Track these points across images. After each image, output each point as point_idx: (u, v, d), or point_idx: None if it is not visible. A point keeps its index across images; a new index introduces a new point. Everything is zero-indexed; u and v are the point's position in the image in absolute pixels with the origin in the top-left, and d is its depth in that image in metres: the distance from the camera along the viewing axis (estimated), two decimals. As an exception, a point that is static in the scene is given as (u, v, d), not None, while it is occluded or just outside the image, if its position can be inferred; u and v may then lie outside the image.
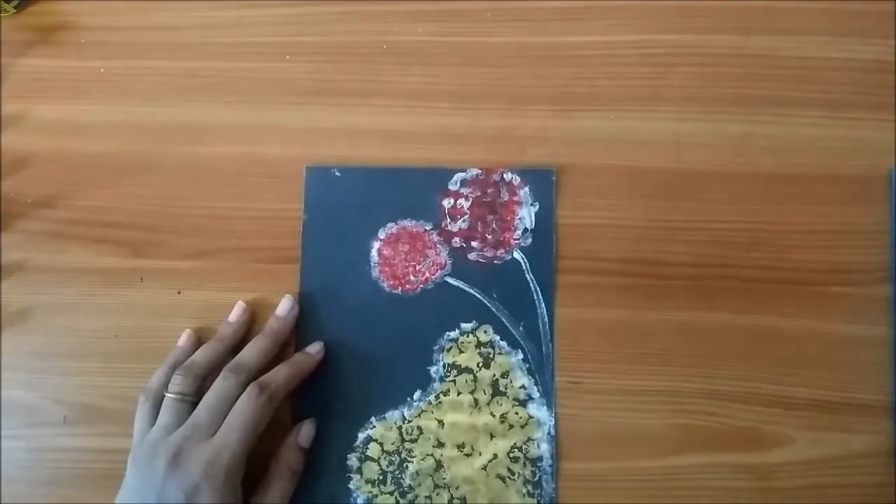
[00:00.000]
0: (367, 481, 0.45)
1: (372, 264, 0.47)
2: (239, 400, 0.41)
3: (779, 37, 0.49)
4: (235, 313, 0.46)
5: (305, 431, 0.44)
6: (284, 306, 0.46)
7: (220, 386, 0.41)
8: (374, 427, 0.45)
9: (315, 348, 0.45)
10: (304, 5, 0.50)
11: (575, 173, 0.48)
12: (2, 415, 0.47)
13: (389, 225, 0.47)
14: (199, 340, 0.46)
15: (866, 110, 0.48)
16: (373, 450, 0.45)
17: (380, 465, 0.45)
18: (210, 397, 0.41)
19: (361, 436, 0.45)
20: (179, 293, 0.47)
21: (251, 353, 0.43)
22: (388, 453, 0.45)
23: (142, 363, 0.47)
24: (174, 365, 0.44)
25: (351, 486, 0.45)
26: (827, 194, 0.47)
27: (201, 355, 0.43)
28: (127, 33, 0.50)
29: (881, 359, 0.45)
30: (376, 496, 0.45)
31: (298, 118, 0.49)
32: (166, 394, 0.42)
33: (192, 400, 0.41)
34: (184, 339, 0.46)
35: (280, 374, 0.43)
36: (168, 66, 0.50)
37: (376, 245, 0.47)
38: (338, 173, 0.48)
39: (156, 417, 0.41)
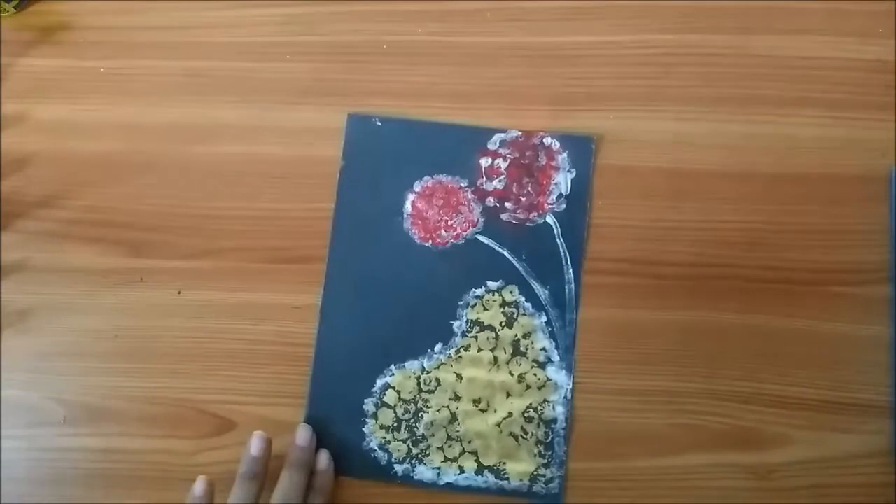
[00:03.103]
0: (382, 427, 0.45)
1: (405, 215, 0.47)
2: None
3: (779, 37, 0.49)
4: (257, 446, 0.43)
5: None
6: (304, 436, 0.44)
7: None
8: (393, 374, 0.46)
9: (325, 462, 0.44)
10: (304, 5, 0.50)
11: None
12: (2, 415, 0.47)
13: (425, 178, 0.48)
14: (212, 485, 0.43)
15: (866, 110, 0.48)
16: (390, 397, 0.46)
17: (395, 412, 0.45)
18: None
19: (380, 382, 0.46)
20: (179, 293, 0.47)
21: (292, 492, 0.42)
22: (405, 401, 0.46)
23: (142, 363, 0.47)
24: None
25: (365, 430, 0.45)
26: (827, 194, 0.47)
27: (238, 500, 0.42)
28: (127, 33, 0.51)
29: (881, 359, 0.45)
30: (389, 442, 0.45)
31: (298, 118, 0.49)
32: None
33: None
34: (199, 487, 0.42)
35: None
36: (168, 66, 0.50)
37: (411, 197, 0.47)
38: (378, 123, 0.48)
39: None
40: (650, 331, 0.46)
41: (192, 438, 0.46)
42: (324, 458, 0.44)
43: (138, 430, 0.46)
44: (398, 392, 0.46)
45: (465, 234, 0.47)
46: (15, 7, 0.50)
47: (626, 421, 0.45)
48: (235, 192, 0.48)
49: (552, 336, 0.46)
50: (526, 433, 0.45)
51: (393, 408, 0.46)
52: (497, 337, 0.46)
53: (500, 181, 0.47)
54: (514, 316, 0.46)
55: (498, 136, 0.48)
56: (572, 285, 0.46)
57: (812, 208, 0.47)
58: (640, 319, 0.46)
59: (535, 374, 0.45)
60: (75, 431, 0.46)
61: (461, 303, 0.46)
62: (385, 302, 0.46)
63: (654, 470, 0.44)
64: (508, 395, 0.45)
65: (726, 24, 0.49)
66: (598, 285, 0.46)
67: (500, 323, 0.46)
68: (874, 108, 0.48)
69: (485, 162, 0.48)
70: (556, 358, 0.46)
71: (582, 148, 0.47)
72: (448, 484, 0.45)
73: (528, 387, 0.45)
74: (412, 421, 0.45)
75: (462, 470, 0.45)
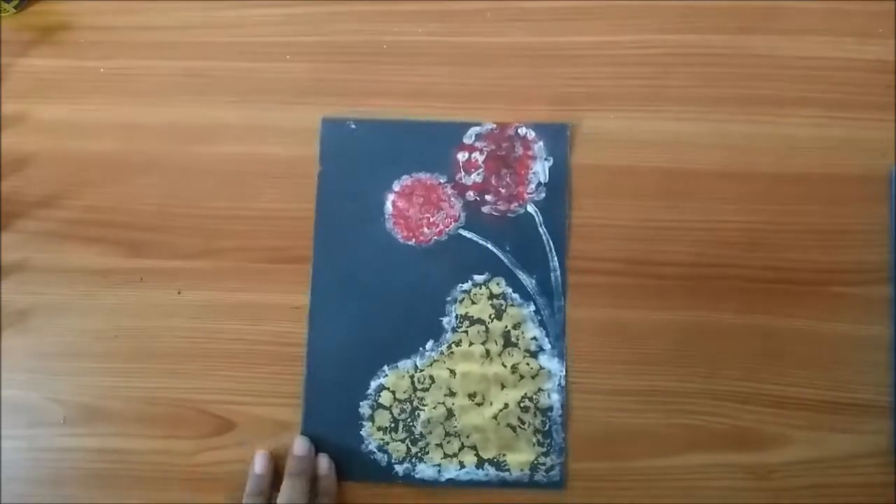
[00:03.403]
0: (379, 428, 0.46)
1: (386, 216, 0.47)
2: None
3: (779, 37, 0.49)
4: (261, 464, 0.44)
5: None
6: (302, 446, 0.44)
7: None
8: (387, 375, 0.46)
9: (324, 467, 0.44)
10: (304, 5, 0.50)
11: (574, 173, 0.48)
12: (2, 415, 0.47)
13: (404, 177, 0.48)
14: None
15: (866, 110, 0.48)
16: (385, 398, 0.46)
17: (391, 412, 0.46)
18: None
19: (374, 384, 0.46)
20: (179, 293, 0.47)
21: (296, 497, 0.42)
22: (400, 401, 0.46)
23: (141, 363, 0.47)
24: None
25: (363, 433, 0.46)
26: (827, 194, 0.47)
27: None
28: (127, 33, 0.50)
29: (881, 359, 0.45)
30: (388, 443, 0.45)
31: (298, 118, 0.49)
32: None
33: None
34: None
35: None
36: (168, 66, 0.50)
37: (391, 197, 0.48)
38: (353, 126, 0.48)
39: None
40: (650, 331, 0.46)
41: (191, 438, 0.46)
42: (324, 463, 0.44)
43: (138, 431, 0.46)
44: (393, 392, 0.46)
45: (447, 229, 0.47)
46: (15, 7, 0.50)
47: (625, 421, 0.45)
48: (235, 192, 0.48)
49: (542, 325, 0.46)
50: (523, 423, 0.45)
51: (389, 408, 0.46)
52: (487, 330, 0.46)
53: (478, 174, 0.47)
54: (503, 307, 0.46)
55: (473, 130, 0.48)
56: (558, 273, 0.46)
57: (812, 208, 0.47)
58: (639, 319, 0.46)
59: (527, 364, 0.46)
60: (75, 431, 0.46)
61: (449, 298, 0.46)
62: (373, 304, 0.47)
63: (654, 470, 0.44)
64: (503, 386, 0.46)
65: (726, 24, 0.49)
66: (598, 285, 0.46)
67: (490, 315, 0.46)
68: (874, 108, 0.48)
69: (462, 157, 0.48)
70: (547, 346, 0.46)
71: (558, 135, 0.48)
72: (450, 480, 0.45)
73: (522, 377, 0.46)
74: (409, 420, 0.46)
75: (462, 465, 0.45)
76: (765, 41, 0.49)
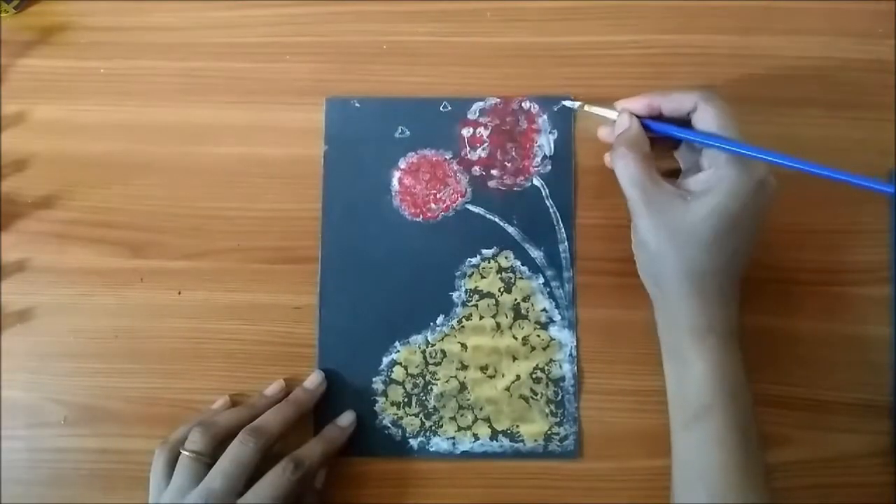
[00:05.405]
0: (393, 403, 0.46)
1: (393, 193, 0.48)
2: (272, 473, 0.40)
3: (779, 37, 0.49)
4: (273, 389, 0.45)
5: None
6: (314, 380, 0.45)
7: (237, 450, 0.40)
8: (399, 351, 0.46)
9: (347, 420, 0.45)
10: (304, 5, 0.50)
11: (575, 173, 0.48)
12: (2, 415, 0.47)
13: (409, 154, 0.48)
14: (233, 406, 0.46)
15: (866, 110, 0.48)
16: (397, 373, 0.46)
17: (404, 387, 0.46)
18: (225, 463, 0.39)
19: (386, 360, 0.46)
20: (179, 293, 0.47)
21: (274, 419, 0.42)
22: (413, 376, 0.46)
23: (141, 363, 0.47)
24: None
25: (376, 408, 0.46)
26: (827, 194, 0.47)
27: (225, 417, 0.42)
28: (127, 33, 0.50)
29: (881, 359, 0.45)
30: (402, 418, 0.46)
31: (298, 118, 0.49)
32: (181, 450, 0.41)
33: (207, 461, 0.40)
34: (219, 403, 0.46)
35: (315, 451, 0.42)
36: (168, 66, 0.50)
37: (397, 174, 0.48)
38: (357, 104, 0.48)
39: (171, 474, 0.40)
40: (650, 331, 0.46)
41: (192, 438, 0.46)
42: (348, 416, 0.45)
43: (138, 431, 0.46)
44: (405, 367, 0.46)
45: (454, 205, 0.47)
46: (15, 7, 0.50)
47: (626, 421, 0.45)
48: (235, 193, 0.48)
49: (551, 296, 0.46)
50: (535, 394, 0.46)
51: (402, 383, 0.46)
52: (497, 303, 0.46)
53: (483, 149, 0.48)
54: (512, 280, 0.47)
55: (477, 105, 0.48)
56: (566, 244, 0.47)
57: (812, 208, 0.47)
58: (640, 319, 0.46)
59: (538, 336, 0.46)
60: (75, 432, 0.46)
61: (458, 273, 0.47)
62: (383, 280, 0.47)
63: (654, 470, 0.44)
64: (514, 358, 0.46)
65: (726, 24, 0.49)
66: (599, 285, 0.46)
67: (499, 289, 0.47)
68: (874, 108, 0.48)
69: (466, 132, 0.48)
70: (557, 317, 0.46)
71: (562, 108, 0.48)
72: (464, 452, 0.45)
73: (533, 348, 0.46)
74: (422, 394, 0.46)
75: (477, 437, 0.45)
76: (765, 41, 0.49)
